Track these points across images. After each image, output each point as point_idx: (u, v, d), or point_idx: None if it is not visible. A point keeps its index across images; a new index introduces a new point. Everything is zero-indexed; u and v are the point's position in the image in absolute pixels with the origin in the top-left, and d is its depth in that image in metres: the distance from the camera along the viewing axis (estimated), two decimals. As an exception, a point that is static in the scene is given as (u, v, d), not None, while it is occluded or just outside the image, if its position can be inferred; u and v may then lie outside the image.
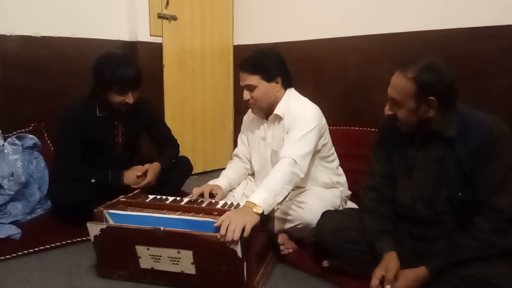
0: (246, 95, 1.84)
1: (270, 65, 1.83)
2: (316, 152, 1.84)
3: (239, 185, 2.05)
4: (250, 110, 2.00)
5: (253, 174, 2.11)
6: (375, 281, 1.35)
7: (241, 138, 2.12)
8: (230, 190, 2.01)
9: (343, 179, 2.02)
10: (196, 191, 1.81)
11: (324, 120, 1.89)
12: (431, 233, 1.44)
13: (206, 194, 1.79)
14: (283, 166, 1.65)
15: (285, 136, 1.81)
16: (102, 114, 2.10)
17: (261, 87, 1.82)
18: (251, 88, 1.82)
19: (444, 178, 1.40)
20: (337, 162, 2.02)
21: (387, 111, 1.43)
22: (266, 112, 1.90)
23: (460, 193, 1.37)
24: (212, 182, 1.93)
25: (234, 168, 2.07)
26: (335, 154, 2.01)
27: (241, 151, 2.10)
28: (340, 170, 2.03)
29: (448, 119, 1.38)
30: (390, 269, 1.36)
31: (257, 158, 2.01)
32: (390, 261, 1.39)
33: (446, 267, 1.33)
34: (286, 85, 1.89)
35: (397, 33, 2.36)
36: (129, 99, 2.01)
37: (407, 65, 1.36)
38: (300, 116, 1.78)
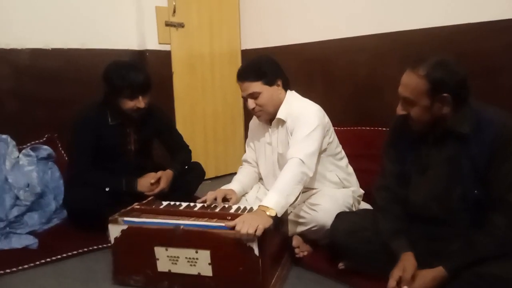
0: (251, 104, 1.84)
1: (267, 69, 1.84)
2: (322, 151, 1.84)
3: (251, 189, 2.05)
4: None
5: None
6: (392, 282, 1.34)
7: (249, 144, 2.13)
8: (243, 195, 2.01)
9: (353, 178, 2.01)
10: (210, 195, 1.81)
11: (327, 119, 1.89)
12: (444, 232, 1.42)
13: (219, 199, 1.80)
14: (291, 166, 1.66)
15: (289, 139, 1.81)
16: (114, 123, 2.13)
17: (265, 92, 1.82)
18: (255, 95, 1.82)
19: (457, 176, 1.38)
20: (345, 160, 2.01)
21: (400, 111, 1.41)
22: (272, 117, 1.90)
23: (475, 191, 1.35)
24: (225, 187, 1.93)
25: (246, 173, 2.07)
26: (343, 152, 2.00)
27: (250, 156, 2.11)
28: (350, 169, 2.02)
29: (461, 116, 1.36)
30: (408, 270, 1.34)
31: (264, 163, 2.02)
32: (407, 261, 1.37)
33: (464, 265, 1.31)
34: (286, 87, 1.91)
35: (406, 31, 2.35)
36: (140, 103, 2.04)
37: (418, 63, 1.34)
38: (302, 117, 1.79)
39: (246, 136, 3.47)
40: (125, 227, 1.56)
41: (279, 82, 1.86)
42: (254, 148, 2.09)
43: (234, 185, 1.95)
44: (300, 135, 1.74)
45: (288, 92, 1.91)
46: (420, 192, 1.47)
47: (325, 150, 1.87)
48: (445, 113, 1.35)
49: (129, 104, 2.04)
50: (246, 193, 2.02)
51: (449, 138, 1.39)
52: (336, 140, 1.96)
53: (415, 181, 1.49)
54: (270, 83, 1.83)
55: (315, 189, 1.88)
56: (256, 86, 1.81)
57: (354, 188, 1.96)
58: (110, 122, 2.12)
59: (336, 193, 1.84)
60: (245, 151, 2.16)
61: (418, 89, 1.33)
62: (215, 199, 1.81)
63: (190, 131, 3.14)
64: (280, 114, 1.86)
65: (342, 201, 1.79)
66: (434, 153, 1.43)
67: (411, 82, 1.34)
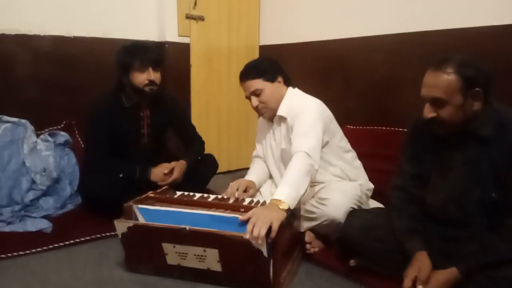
0: (255, 101, 1.87)
1: (267, 67, 1.89)
2: (324, 144, 1.84)
3: (265, 183, 2.06)
4: None
5: None
6: (408, 282, 1.33)
7: (258, 140, 2.15)
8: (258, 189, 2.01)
9: (360, 171, 2.00)
10: (233, 185, 1.84)
11: (328, 113, 1.90)
12: (460, 234, 1.41)
13: (241, 190, 1.83)
14: (298, 159, 1.67)
15: (291, 134, 1.82)
16: (129, 104, 2.16)
17: (267, 88, 1.85)
18: (257, 92, 1.85)
19: (476, 178, 1.37)
20: (352, 154, 2.00)
21: (428, 114, 1.35)
22: (275, 114, 1.92)
23: (493, 194, 1.33)
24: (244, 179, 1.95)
25: (260, 167, 2.08)
26: (349, 146, 2.00)
27: (260, 152, 2.12)
28: (358, 163, 2.01)
29: (484, 118, 1.34)
30: (424, 270, 1.34)
31: (272, 160, 2.03)
32: (422, 261, 1.36)
33: (477, 268, 1.30)
34: (287, 84, 1.93)
35: (427, 31, 2.32)
36: (151, 75, 2.07)
37: (443, 62, 1.32)
38: (302, 111, 1.81)
39: (258, 132, 3.51)
40: (131, 224, 1.56)
41: (280, 79, 1.89)
42: (262, 145, 2.11)
43: (253, 178, 1.97)
44: (301, 130, 1.76)
45: (289, 88, 1.94)
46: (439, 194, 1.45)
47: (327, 143, 1.87)
48: (476, 110, 1.33)
49: (141, 77, 2.07)
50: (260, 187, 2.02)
51: (471, 140, 1.37)
52: (340, 134, 1.96)
53: (434, 183, 1.47)
54: (271, 79, 1.86)
55: (321, 183, 1.88)
56: (258, 83, 1.85)
57: (361, 182, 1.94)
58: (126, 104, 2.16)
59: (344, 186, 1.84)
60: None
61: (451, 87, 1.30)
62: (237, 189, 1.83)
63: (204, 124, 3.15)
64: (280, 111, 1.88)
65: (351, 194, 1.78)
66: (456, 156, 1.41)
67: (441, 81, 1.31)
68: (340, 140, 1.95)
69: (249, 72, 1.88)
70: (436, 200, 1.46)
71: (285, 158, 1.91)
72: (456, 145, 1.41)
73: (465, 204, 1.39)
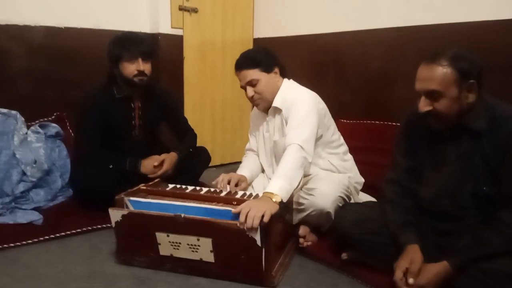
0: (250, 91, 1.86)
1: (263, 57, 1.87)
2: (318, 137, 1.83)
3: (257, 177, 2.05)
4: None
5: None
6: (399, 273, 1.34)
7: (251, 133, 2.14)
8: (250, 184, 2.00)
9: (350, 164, 1.99)
10: (225, 177, 1.82)
11: (322, 105, 1.89)
12: (454, 227, 1.41)
13: (233, 183, 1.81)
14: (291, 152, 1.66)
15: (284, 126, 1.82)
16: (121, 95, 2.15)
17: (263, 79, 1.84)
18: (253, 83, 1.84)
19: (469, 172, 1.37)
20: (343, 148, 1.99)
21: (424, 107, 1.35)
22: (270, 105, 1.91)
23: (484, 187, 1.34)
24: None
25: (252, 161, 2.07)
26: (342, 139, 2.00)
27: (253, 145, 2.11)
28: (348, 156, 2.01)
29: (476, 112, 1.35)
30: (415, 262, 1.34)
31: (264, 152, 2.03)
32: (414, 253, 1.37)
33: (469, 261, 1.30)
34: (283, 75, 1.92)
35: (422, 25, 2.32)
36: (140, 66, 2.06)
37: (436, 56, 1.32)
38: (296, 103, 1.80)
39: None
40: (125, 212, 1.55)
41: (276, 70, 1.88)
42: (255, 137, 2.10)
43: (245, 172, 1.96)
44: (295, 122, 1.75)
45: (285, 80, 1.93)
46: (432, 187, 1.45)
47: (321, 136, 1.86)
48: (471, 102, 1.33)
49: (130, 67, 2.06)
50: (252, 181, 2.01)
51: (464, 134, 1.38)
52: (333, 127, 1.96)
53: (427, 176, 1.47)
54: (267, 70, 1.85)
55: (310, 174, 1.86)
56: (254, 73, 1.83)
57: (351, 174, 1.93)
58: (117, 95, 2.15)
59: (332, 176, 1.84)
60: (250, 141, 2.16)
61: (446, 79, 1.30)
62: (228, 183, 1.81)
63: (198, 117, 3.14)
64: (275, 103, 1.87)
65: (338, 183, 1.77)
66: (450, 150, 1.41)
67: (436, 73, 1.31)
68: (333, 134, 1.95)
69: (245, 61, 1.86)
70: (429, 193, 1.46)
71: (276, 150, 1.91)
72: (449, 139, 1.41)
73: (458, 197, 1.40)
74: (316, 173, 1.85)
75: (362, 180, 1.99)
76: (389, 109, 2.45)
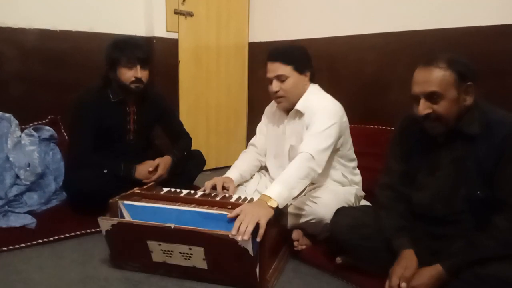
0: (276, 86, 1.79)
1: (301, 57, 1.82)
2: (335, 150, 1.81)
3: (251, 177, 2.03)
4: (273, 101, 1.96)
5: (265, 167, 2.09)
6: (395, 280, 1.33)
7: (261, 128, 2.08)
8: (241, 184, 1.98)
9: (358, 178, 2.00)
10: (208, 184, 1.79)
11: (345, 118, 1.85)
12: (448, 232, 1.41)
13: (219, 187, 1.78)
14: (300, 160, 1.64)
15: (304, 132, 1.78)
16: (116, 100, 2.13)
17: (293, 78, 1.79)
18: (282, 78, 1.78)
19: (463, 176, 1.38)
20: (355, 163, 1.99)
21: (424, 110, 1.34)
22: (291, 107, 1.86)
23: (478, 192, 1.34)
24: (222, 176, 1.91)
25: (246, 159, 2.04)
26: (354, 155, 1.98)
27: (258, 141, 2.06)
28: (357, 170, 2.01)
29: (471, 116, 1.36)
30: (409, 267, 1.34)
31: (272, 153, 2.00)
32: (409, 259, 1.37)
33: (463, 266, 1.30)
34: (311, 80, 1.88)
35: (416, 30, 2.33)
36: (138, 73, 2.04)
37: (433, 59, 1.33)
38: (320, 112, 1.76)
39: (248, 129, 3.50)
40: (115, 222, 1.53)
41: (308, 73, 1.84)
42: (266, 134, 2.06)
43: (233, 173, 1.93)
44: (315, 130, 1.71)
45: (311, 85, 1.88)
46: (426, 192, 1.46)
47: (338, 150, 1.84)
48: (468, 105, 1.34)
49: (128, 73, 2.04)
50: (245, 181, 2.00)
51: (458, 139, 1.38)
52: (350, 142, 1.94)
53: (421, 181, 1.48)
54: (300, 71, 1.80)
55: (319, 184, 1.87)
56: (286, 70, 1.78)
57: (357, 187, 1.95)
58: (112, 99, 2.13)
59: (339, 189, 1.84)
60: (247, 144, 2.13)
61: (445, 81, 1.31)
62: (214, 188, 1.79)
63: (193, 121, 3.13)
64: (298, 106, 1.82)
65: (343, 197, 1.79)
66: (444, 154, 1.42)
67: (435, 75, 1.32)
68: (349, 149, 1.93)
69: (282, 55, 1.78)
70: (423, 198, 1.46)
71: (291, 155, 1.87)
72: (443, 143, 1.42)
73: (452, 202, 1.40)
74: (325, 183, 1.85)
75: (363, 194, 2.00)
76: (383, 114, 2.46)
